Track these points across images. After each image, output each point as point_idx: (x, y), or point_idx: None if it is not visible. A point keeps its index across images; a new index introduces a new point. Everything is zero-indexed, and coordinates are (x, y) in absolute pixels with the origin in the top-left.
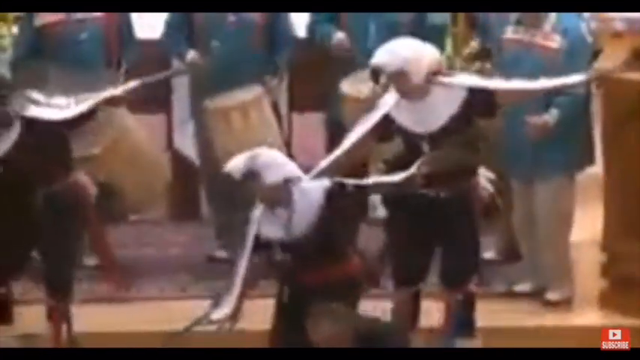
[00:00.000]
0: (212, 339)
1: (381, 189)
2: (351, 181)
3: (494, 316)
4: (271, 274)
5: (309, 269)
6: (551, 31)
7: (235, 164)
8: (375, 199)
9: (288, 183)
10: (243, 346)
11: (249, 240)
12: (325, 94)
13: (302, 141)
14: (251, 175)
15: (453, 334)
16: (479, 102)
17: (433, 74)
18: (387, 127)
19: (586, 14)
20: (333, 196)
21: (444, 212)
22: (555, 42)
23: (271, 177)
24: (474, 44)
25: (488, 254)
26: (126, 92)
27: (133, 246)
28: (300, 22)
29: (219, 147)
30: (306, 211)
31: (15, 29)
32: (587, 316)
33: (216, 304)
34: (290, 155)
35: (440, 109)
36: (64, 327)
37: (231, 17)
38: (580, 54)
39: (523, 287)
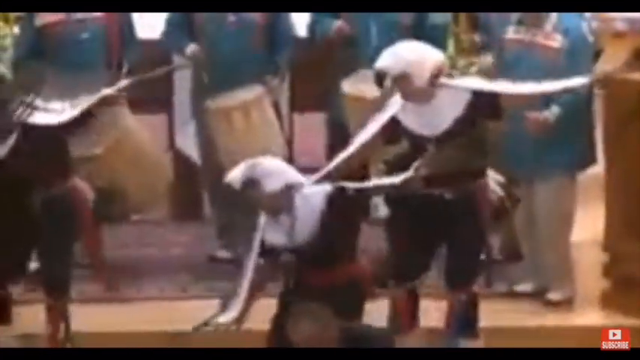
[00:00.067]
0: (212, 339)
1: (380, 191)
2: (351, 185)
3: (495, 316)
4: (277, 275)
5: (314, 271)
6: (553, 30)
7: (235, 174)
8: (377, 198)
9: (288, 190)
10: (244, 346)
11: (255, 245)
12: (326, 94)
13: (303, 141)
14: (251, 183)
15: (456, 334)
16: (484, 105)
17: (436, 77)
18: (394, 129)
19: (587, 14)
20: (334, 200)
21: (448, 213)
22: (556, 42)
23: (271, 185)
24: (476, 37)
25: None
26: (119, 91)
27: (135, 246)
28: (300, 21)
29: (221, 147)
30: (308, 216)
31: (16, 29)
32: (589, 317)
33: (224, 306)
34: (291, 155)
35: (445, 111)
36: (62, 326)
37: (231, 17)
38: (581, 54)
39: (525, 287)
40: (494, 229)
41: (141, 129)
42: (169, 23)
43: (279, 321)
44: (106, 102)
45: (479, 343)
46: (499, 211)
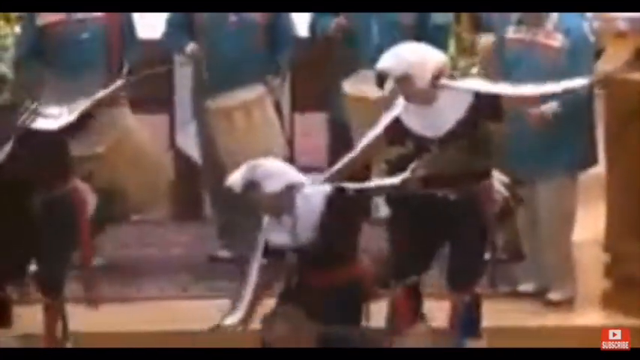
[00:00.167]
0: (214, 339)
1: (380, 192)
2: (351, 186)
3: (497, 316)
4: (282, 276)
5: (315, 272)
6: (554, 30)
7: (235, 177)
8: (378, 199)
9: (289, 190)
10: (245, 347)
11: (259, 246)
12: (327, 94)
13: (304, 141)
14: (251, 185)
15: (460, 334)
16: (485, 106)
17: (438, 78)
18: (397, 130)
19: (589, 14)
20: (334, 200)
21: (452, 214)
22: (557, 41)
23: (271, 186)
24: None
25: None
26: (114, 92)
27: (135, 246)
28: (301, 21)
29: (222, 147)
30: (308, 216)
31: (17, 29)
32: (590, 316)
33: (232, 308)
34: (292, 155)
35: (447, 113)
36: (60, 326)
37: (232, 17)
38: (582, 53)
39: (527, 287)
40: (499, 229)
41: (141, 129)
42: (170, 24)
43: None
44: (106, 102)
45: (481, 343)
46: (503, 212)
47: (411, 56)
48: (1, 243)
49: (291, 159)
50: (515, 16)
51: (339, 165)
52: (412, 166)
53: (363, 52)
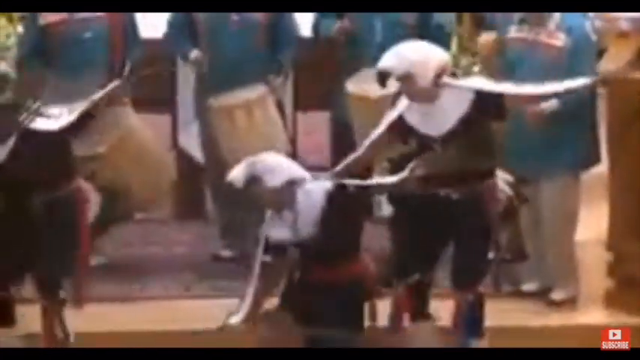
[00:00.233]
0: (217, 338)
1: (379, 190)
2: (352, 182)
3: (500, 316)
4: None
5: (316, 269)
6: (556, 29)
7: (236, 172)
8: (381, 197)
9: (290, 185)
10: (246, 346)
11: (260, 242)
12: (330, 93)
13: (307, 140)
14: (253, 180)
15: (464, 334)
16: (487, 105)
17: (440, 76)
18: (401, 128)
19: (591, 13)
20: (335, 197)
21: (455, 213)
22: (560, 40)
23: (273, 181)
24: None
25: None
26: (111, 92)
27: (138, 244)
28: (304, 21)
29: (224, 146)
30: (309, 212)
31: (20, 28)
32: (592, 316)
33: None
34: (294, 154)
35: (449, 111)
36: (59, 327)
37: (234, 17)
38: (584, 53)
39: (530, 286)
40: (503, 228)
41: (144, 128)
42: (171, 25)
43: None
44: (107, 102)
45: (483, 343)
46: (507, 211)
47: (413, 55)
48: (3, 243)
49: (293, 158)
50: (517, 15)
51: (343, 163)
52: (411, 165)
53: (365, 51)
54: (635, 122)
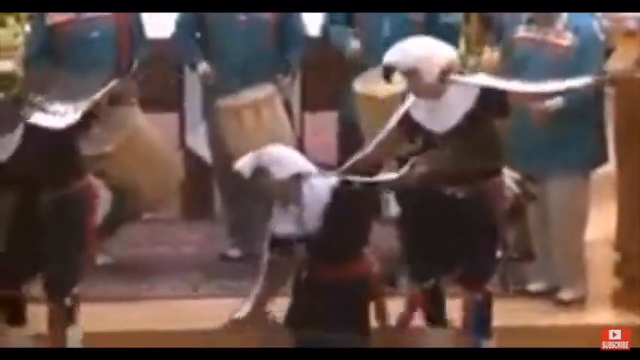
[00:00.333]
0: (225, 338)
1: (384, 187)
2: (357, 179)
3: (508, 315)
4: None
5: (320, 266)
6: (564, 29)
7: (244, 162)
8: (388, 197)
9: (297, 178)
10: (247, 346)
11: (267, 238)
12: (338, 93)
13: (314, 140)
14: (259, 171)
15: (474, 334)
16: (492, 102)
17: (447, 73)
18: (408, 125)
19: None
20: (340, 193)
21: (461, 212)
22: (567, 40)
23: (280, 173)
24: (490, 52)
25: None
26: (110, 91)
27: (146, 244)
28: (312, 20)
29: (231, 145)
30: (315, 206)
31: (28, 27)
32: (600, 316)
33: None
34: (302, 154)
35: (454, 107)
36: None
37: (242, 16)
38: (592, 52)
39: (537, 286)
40: (510, 227)
41: (152, 128)
42: (179, 25)
43: (295, 313)
44: (116, 101)
45: (491, 343)
46: (514, 209)
47: (419, 51)
48: (13, 241)
49: None
50: (525, 15)
51: (351, 161)
52: (411, 161)
53: (373, 50)
54: None
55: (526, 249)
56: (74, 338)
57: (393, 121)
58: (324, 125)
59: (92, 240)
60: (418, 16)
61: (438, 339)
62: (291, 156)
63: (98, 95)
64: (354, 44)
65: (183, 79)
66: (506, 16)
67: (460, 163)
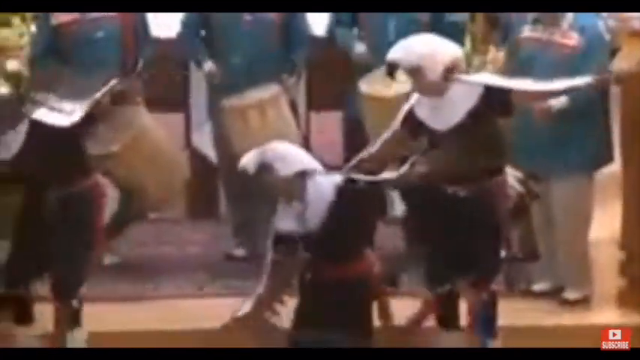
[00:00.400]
0: (229, 338)
1: (386, 185)
2: (361, 177)
3: (512, 315)
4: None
5: (323, 264)
6: (569, 29)
7: (248, 158)
8: (393, 197)
9: (302, 176)
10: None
11: (270, 237)
12: (343, 93)
13: (320, 140)
14: (264, 168)
15: (480, 334)
16: (495, 100)
17: (451, 71)
18: (412, 123)
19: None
20: (344, 191)
21: (464, 211)
22: (573, 40)
23: (284, 169)
24: (494, 51)
25: (507, 253)
26: (108, 92)
27: (152, 244)
28: (317, 20)
29: (237, 145)
30: (318, 204)
31: (33, 27)
32: (606, 315)
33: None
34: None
35: (458, 105)
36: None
37: (247, 16)
38: (597, 52)
39: (541, 286)
40: (514, 226)
41: (157, 127)
42: (184, 25)
43: (298, 312)
44: (121, 101)
45: (496, 343)
46: (518, 208)
47: (422, 48)
48: (20, 240)
49: None
50: (531, 15)
51: (356, 159)
52: (411, 160)
53: (378, 50)
54: None
55: (530, 249)
56: (78, 339)
57: (397, 120)
58: (329, 125)
59: (100, 239)
60: (423, 16)
61: (443, 339)
62: (296, 153)
63: (98, 94)
64: (360, 47)
65: (188, 78)
66: (513, 16)
67: (462, 161)
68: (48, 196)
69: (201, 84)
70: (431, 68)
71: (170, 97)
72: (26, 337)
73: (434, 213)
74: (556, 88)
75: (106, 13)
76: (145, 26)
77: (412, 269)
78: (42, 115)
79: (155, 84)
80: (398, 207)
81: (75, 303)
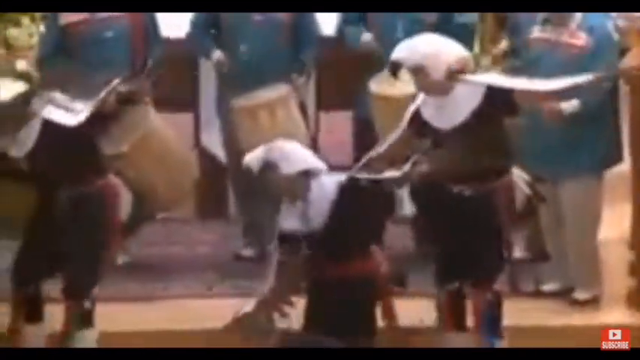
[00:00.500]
0: (237, 338)
1: (388, 184)
2: (362, 176)
3: (521, 315)
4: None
5: (329, 263)
6: (577, 29)
7: (252, 156)
8: (402, 197)
9: (306, 175)
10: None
11: (274, 237)
12: (353, 93)
13: (329, 140)
14: (268, 166)
15: (485, 334)
16: (498, 100)
17: (456, 72)
18: (418, 123)
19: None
20: (347, 190)
21: (469, 211)
22: (581, 40)
23: (288, 168)
24: (504, 43)
25: (516, 253)
26: (111, 93)
27: (161, 244)
28: (326, 20)
29: (246, 145)
30: (321, 204)
31: (42, 27)
32: (615, 315)
33: None
34: (317, 153)
35: (462, 105)
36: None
37: (257, 16)
38: (606, 52)
39: (551, 286)
40: (522, 227)
41: (166, 127)
42: (194, 25)
43: (307, 313)
44: (130, 101)
45: (502, 343)
46: (527, 210)
47: (426, 47)
48: (32, 238)
49: None
50: (540, 15)
51: (364, 159)
52: (413, 158)
53: (388, 50)
54: None
55: (540, 249)
56: (89, 338)
57: (404, 120)
58: (338, 125)
59: (114, 240)
60: (432, 17)
61: (449, 339)
62: (300, 152)
63: (102, 94)
64: (366, 36)
65: (198, 78)
66: (521, 17)
67: (466, 161)
68: (60, 195)
69: (211, 83)
70: (434, 68)
71: (179, 96)
72: (36, 337)
73: (441, 212)
74: (558, 87)
75: (115, 13)
76: (154, 26)
77: (421, 269)
78: (52, 113)
79: (164, 84)
80: (407, 207)
81: (87, 304)
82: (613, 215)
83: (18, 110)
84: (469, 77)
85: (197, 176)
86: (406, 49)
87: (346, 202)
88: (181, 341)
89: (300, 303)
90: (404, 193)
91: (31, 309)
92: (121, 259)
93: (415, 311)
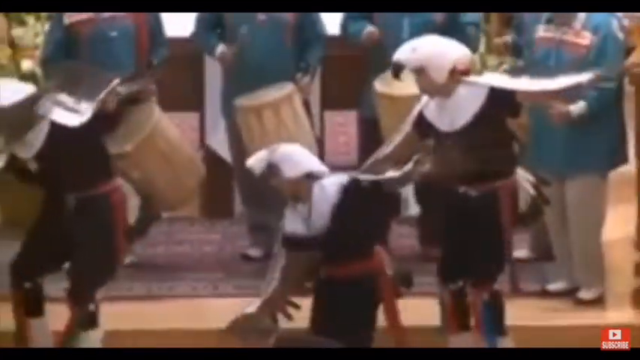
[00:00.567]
0: (232, 339)
1: (390, 184)
2: (365, 177)
3: (526, 315)
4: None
5: (332, 263)
6: (582, 28)
7: (255, 158)
8: (407, 197)
9: (308, 178)
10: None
11: (278, 239)
12: (358, 92)
13: (334, 139)
14: (270, 169)
15: (486, 333)
16: (501, 100)
17: (460, 73)
18: (422, 124)
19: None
20: (349, 191)
21: (471, 210)
22: (586, 39)
23: (290, 171)
24: (508, 38)
25: (522, 253)
26: (111, 93)
27: (167, 243)
28: (331, 20)
29: (251, 145)
30: (323, 206)
31: (48, 27)
32: (620, 315)
33: None
34: (322, 154)
35: (465, 106)
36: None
37: (262, 16)
38: (611, 51)
39: (557, 286)
40: (525, 228)
41: (172, 127)
42: (199, 25)
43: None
44: (135, 100)
45: (507, 342)
46: (532, 211)
47: (428, 49)
48: (34, 240)
49: (321, 157)
50: (544, 14)
51: (370, 161)
52: (415, 158)
53: (394, 50)
54: None
55: (545, 249)
56: (94, 338)
57: (408, 122)
58: (344, 124)
59: (121, 244)
60: (438, 16)
61: (451, 339)
62: (302, 155)
63: (102, 95)
64: (369, 28)
65: (203, 77)
66: (526, 16)
67: (469, 161)
68: (67, 197)
69: (217, 83)
70: (436, 69)
71: (185, 96)
72: (43, 338)
73: (446, 212)
74: (560, 87)
75: (119, 13)
76: (159, 26)
77: (424, 269)
78: (56, 114)
79: (170, 83)
80: (413, 207)
81: (91, 306)
82: (618, 216)
83: (26, 112)
84: (471, 78)
85: (203, 175)
86: (409, 51)
87: (349, 204)
88: (187, 341)
89: (305, 304)
90: (409, 193)
91: (32, 303)
92: (129, 259)
93: (418, 311)
